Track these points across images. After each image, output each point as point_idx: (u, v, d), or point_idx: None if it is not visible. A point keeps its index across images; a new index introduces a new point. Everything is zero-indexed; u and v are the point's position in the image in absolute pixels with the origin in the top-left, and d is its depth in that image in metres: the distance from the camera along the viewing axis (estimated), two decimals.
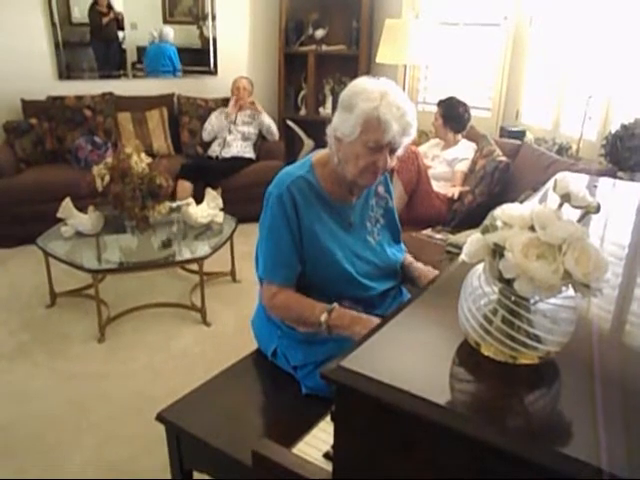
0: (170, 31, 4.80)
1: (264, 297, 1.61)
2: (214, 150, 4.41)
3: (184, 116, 4.60)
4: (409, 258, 1.81)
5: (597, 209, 0.86)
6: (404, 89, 4.18)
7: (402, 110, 1.43)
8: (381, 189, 1.71)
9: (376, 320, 1.42)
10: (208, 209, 3.25)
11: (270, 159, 4.43)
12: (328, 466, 1.08)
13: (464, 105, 3.38)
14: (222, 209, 3.30)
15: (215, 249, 2.99)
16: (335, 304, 1.49)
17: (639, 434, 0.76)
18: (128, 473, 2.00)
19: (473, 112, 3.47)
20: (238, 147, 4.39)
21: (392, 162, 1.50)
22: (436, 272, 1.66)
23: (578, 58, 3.47)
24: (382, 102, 1.41)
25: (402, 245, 1.81)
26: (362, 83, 1.48)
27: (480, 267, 0.91)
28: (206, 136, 4.49)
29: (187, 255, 3.01)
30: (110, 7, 4.50)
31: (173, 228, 3.12)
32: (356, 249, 1.61)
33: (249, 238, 3.07)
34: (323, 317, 1.46)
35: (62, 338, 2.83)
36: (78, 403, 2.36)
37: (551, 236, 0.82)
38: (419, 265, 1.76)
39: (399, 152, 1.52)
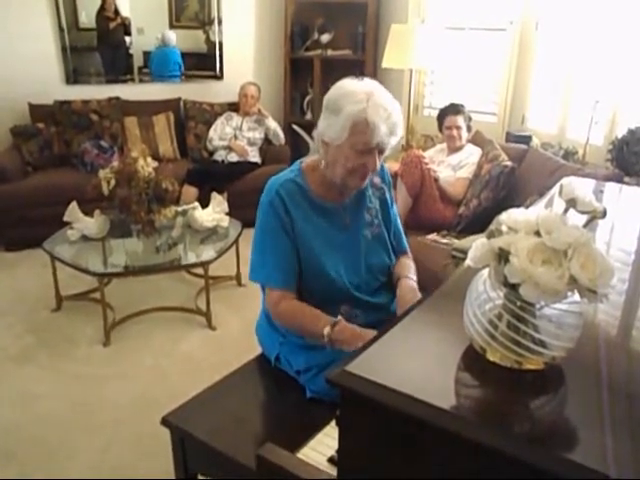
0: (172, 35, 4.82)
1: (268, 304, 1.61)
2: (220, 154, 4.42)
3: (190, 120, 4.62)
4: (402, 272, 1.66)
5: (603, 214, 0.86)
6: (410, 94, 4.18)
7: (389, 111, 1.43)
8: (377, 180, 1.69)
9: None
10: (214, 213, 3.26)
11: (276, 163, 4.42)
12: (333, 471, 1.08)
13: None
14: (228, 213, 3.31)
15: (220, 253, 3.00)
16: (340, 317, 1.46)
17: None
18: (132, 476, 2.00)
19: (479, 117, 3.46)
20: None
21: (379, 162, 1.50)
22: (414, 300, 1.44)
23: (584, 62, 3.46)
24: (369, 104, 1.41)
25: (405, 245, 1.78)
26: (346, 85, 1.48)
27: (485, 272, 0.91)
28: (211, 147, 4.50)
29: (192, 259, 3.02)
30: (117, 12, 4.54)
31: (179, 232, 3.12)
32: (350, 248, 1.60)
33: None
34: (326, 330, 1.44)
35: (68, 341, 2.84)
36: (83, 406, 2.36)
37: (556, 241, 0.81)
38: (405, 286, 1.61)
39: (387, 153, 1.51)
